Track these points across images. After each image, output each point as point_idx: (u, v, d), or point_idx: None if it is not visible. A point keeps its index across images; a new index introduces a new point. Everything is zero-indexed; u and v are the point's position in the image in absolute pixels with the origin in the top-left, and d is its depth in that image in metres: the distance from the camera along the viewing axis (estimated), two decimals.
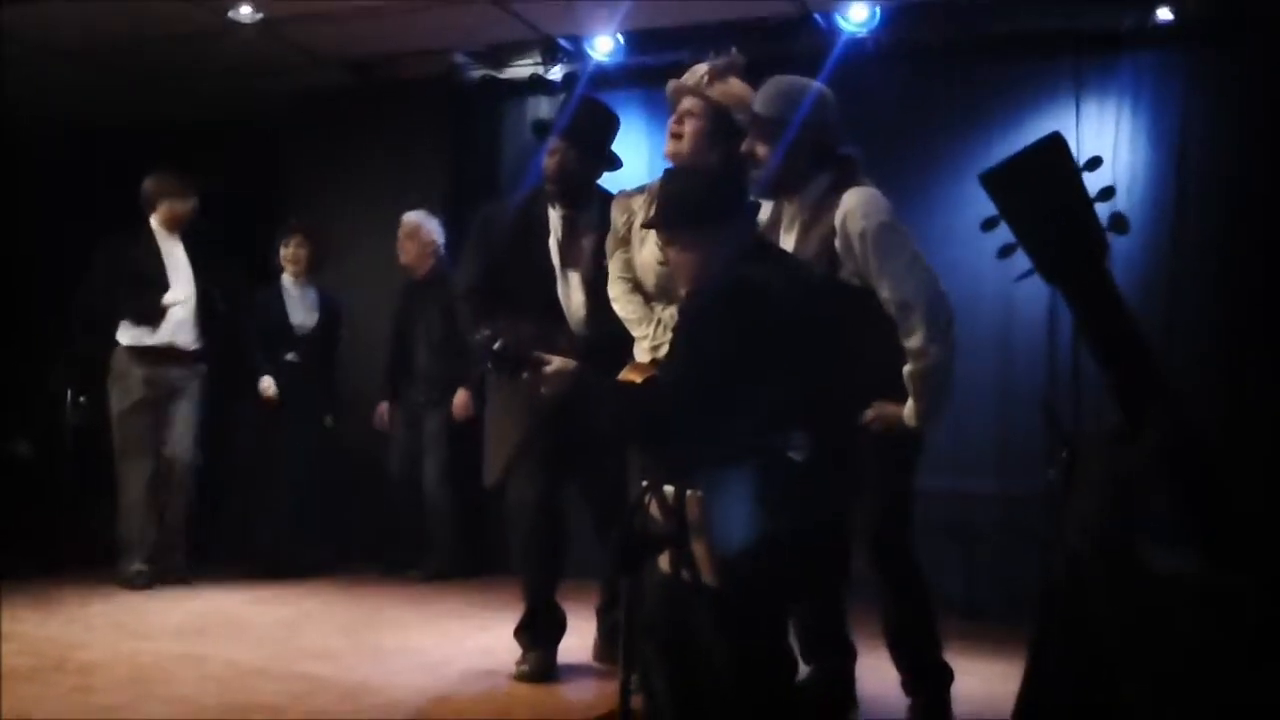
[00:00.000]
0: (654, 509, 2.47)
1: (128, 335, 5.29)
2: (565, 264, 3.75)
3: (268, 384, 5.64)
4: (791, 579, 2.58)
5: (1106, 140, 5.00)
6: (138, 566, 5.19)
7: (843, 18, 5.23)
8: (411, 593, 5.32)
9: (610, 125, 3.79)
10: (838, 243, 3.00)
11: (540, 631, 3.82)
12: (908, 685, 3.20)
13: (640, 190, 3.50)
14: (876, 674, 3.43)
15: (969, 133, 5.20)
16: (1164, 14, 4.96)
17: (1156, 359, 1.79)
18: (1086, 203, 1.78)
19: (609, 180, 3.82)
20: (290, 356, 5.74)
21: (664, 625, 2.58)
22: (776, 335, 2.52)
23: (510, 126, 6.22)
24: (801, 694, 3.14)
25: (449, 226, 5.77)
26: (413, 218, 5.77)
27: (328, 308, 5.89)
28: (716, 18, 5.22)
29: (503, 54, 6.05)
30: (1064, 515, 2.12)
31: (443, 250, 5.73)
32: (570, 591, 3.93)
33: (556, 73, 5.95)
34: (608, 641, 3.84)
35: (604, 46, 5.69)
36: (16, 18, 5.39)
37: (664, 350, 3.20)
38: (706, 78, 3.30)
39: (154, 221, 5.42)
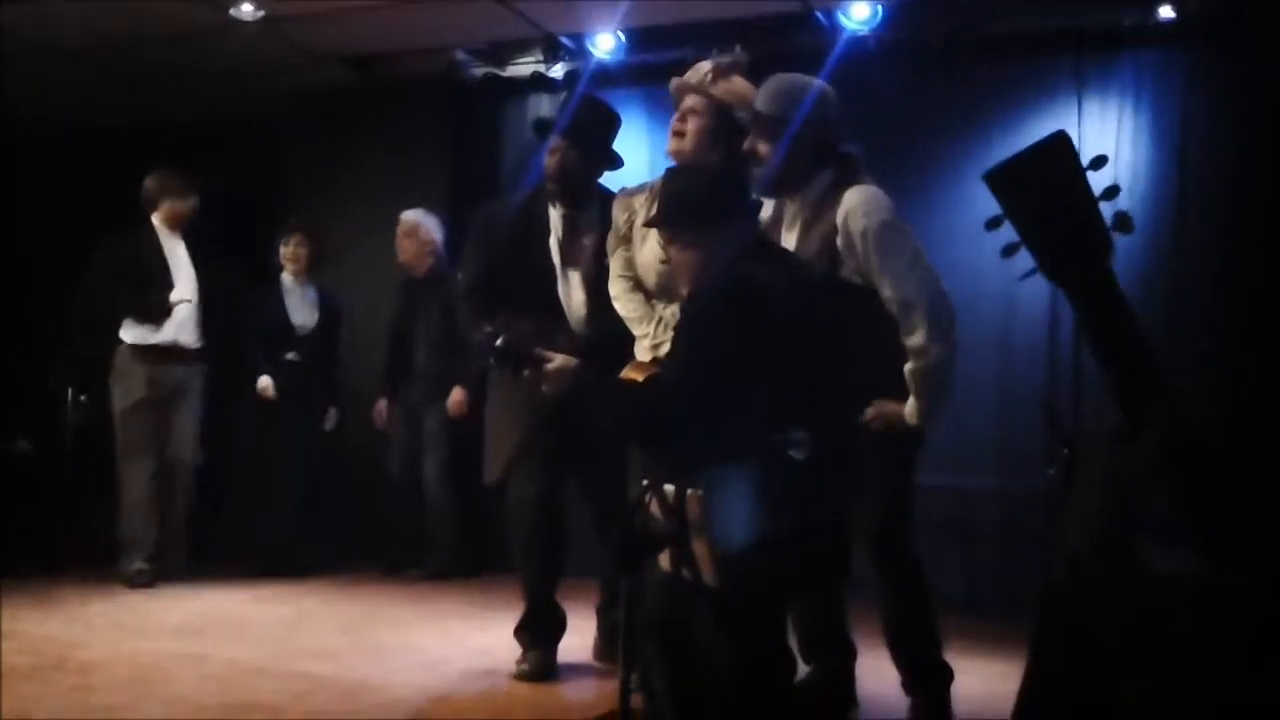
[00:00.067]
0: (654, 508, 2.46)
1: (131, 334, 5.30)
2: (566, 263, 3.75)
3: (266, 383, 5.64)
4: (792, 578, 2.58)
5: (1107, 139, 5.00)
6: (139, 565, 5.19)
7: (844, 15, 5.23)
8: (411, 592, 5.32)
9: (611, 124, 3.79)
10: (839, 241, 3.00)
11: (540, 630, 3.82)
12: (907, 684, 3.20)
13: (641, 188, 3.50)
14: (876, 673, 3.43)
15: (970, 131, 5.20)
16: (1165, 13, 4.95)
17: (1157, 358, 1.79)
18: (1091, 202, 1.77)
19: (610, 179, 3.82)
20: (290, 356, 5.73)
21: (664, 624, 2.58)
22: (777, 334, 2.52)
23: (511, 125, 6.22)
24: (801, 693, 3.14)
25: (450, 225, 5.77)
26: (411, 216, 5.76)
27: (327, 307, 5.89)
28: (718, 15, 5.22)
29: (504, 52, 6.05)
30: (1064, 515, 2.12)
31: (441, 249, 5.73)
32: (570, 590, 3.93)
33: (558, 71, 5.95)
34: (608, 640, 3.84)
35: (605, 44, 5.69)
36: (16, 17, 5.39)
37: (664, 349, 3.20)
38: (710, 75, 3.30)
39: (155, 220, 5.43)
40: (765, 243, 2.86)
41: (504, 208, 3.96)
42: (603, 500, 3.79)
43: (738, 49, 3.39)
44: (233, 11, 5.44)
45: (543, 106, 5.95)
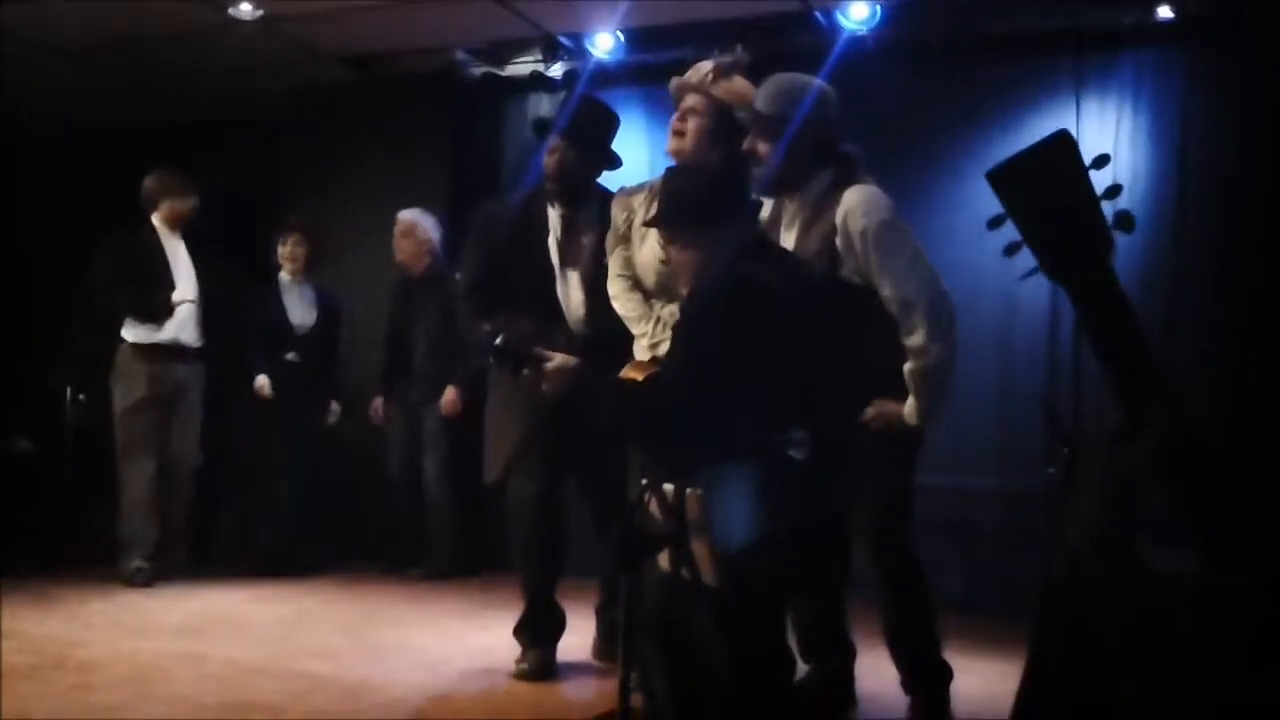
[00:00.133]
0: (654, 507, 2.46)
1: (133, 332, 5.30)
2: (564, 263, 3.75)
3: (262, 382, 5.64)
4: (791, 578, 2.58)
5: (1107, 139, 4.99)
6: (138, 563, 5.19)
7: (844, 15, 5.23)
8: (411, 591, 5.32)
9: (610, 124, 3.79)
10: (839, 241, 3.00)
11: (539, 630, 3.82)
12: (907, 684, 3.20)
13: (641, 188, 3.50)
14: (876, 672, 3.43)
15: (969, 131, 5.20)
16: (1164, 12, 4.95)
17: (1157, 358, 1.79)
18: (1093, 201, 1.78)
19: (609, 179, 3.82)
20: (290, 355, 5.73)
21: (663, 624, 2.58)
22: (777, 334, 2.52)
23: (511, 124, 6.22)
24: (800, 693, 3.14)
25: (449, 225, 5.77)
26: (408, 216, 5.76)
27: (326, 306, 5.89)
28: (717, 15, 5.22)
29: (503, 51, 6.05)
30: (1064, 515, 2.12)
31: (438, 248, 5.73)
32: (570, 590, 3.93)
33: (557, 70, 5.95)
34: (607, 640, 3.84)
35: (605, 44, 5.69)
36: (16, 17, 5.39)
37: (663, 348, 3.20)
38: (711, 75, 3.30)
39: (155, 220, 5.43)
40: (765, 242, 2.86)
41: (503, 207, 3.96)
42: (602, 499, 3.79)
43: (739, 49, 3.39)
44: (232, 11, 5.44)
45: (542, 106, 5.95)
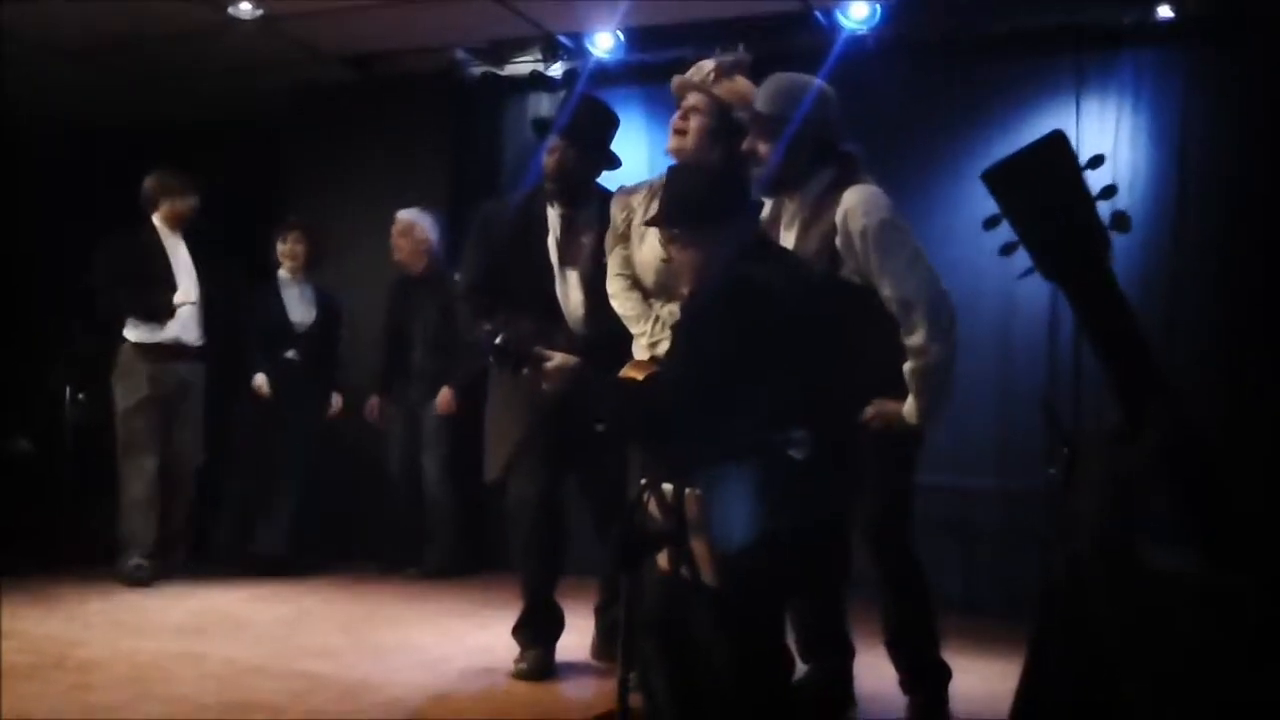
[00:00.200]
0: (653, 507, 2.46)
1: (135, 332, 5.30)
2: (564, 262, 3.75)
3: (261, 381, 5.63)
4: (791, 577, 2.58)
5: (1107, 138, 4.99)
6: (138, 561, 5.19)
7: (843, 15, 5.22)
8: (411, 590, 5.32)
9: (610, 124, 3.79)
10: (838, 240, 3.00)
11: (539, 629, 3.82)
12: (906, 683, 3.20)
13: (640, 187, 3.50)
14: (875, 672, 3.43)
15: (969, 130, 5.20)
16: (1164, 12, 4.95)
17: (1157, 358, 1.79)
18: (1088, 201, 1.78)
19: (609, 178, 3.82)
20: (290, 354, 5.73)
21: (663, 623, 2.58)
22: (777, 334, 2.52)
23: (511, 123, 6.21)
24: (800, 692, 3.14)
25: (449, 224, 5.76)
26: (406, 215, 5.76)
27: (326, 305, 5.88)
28: (717, 15, 5.21)
29: (503, 51, 6.04)
30: (1064, 515, 2.12)
31: (436, 248, 5.73)
32: (569, 589, 3.93)
33: (557, 70, 5.95)
34: (606, 639, 3.84)
35: (604, 43, 5.68)
36: (16, 17, 5.39)
37: (662, 347, 3.20)
38: (712, 74, 3.30)
39: (156, 220, 5.43)
40: (765, 242, 2.86)
41: (503, 207, 3.97)
42: (602, 499, 3.79)
43: (741, 48, 3.39)
44: (232, 10, 5.43)
45: (542, 106, 5.94)
